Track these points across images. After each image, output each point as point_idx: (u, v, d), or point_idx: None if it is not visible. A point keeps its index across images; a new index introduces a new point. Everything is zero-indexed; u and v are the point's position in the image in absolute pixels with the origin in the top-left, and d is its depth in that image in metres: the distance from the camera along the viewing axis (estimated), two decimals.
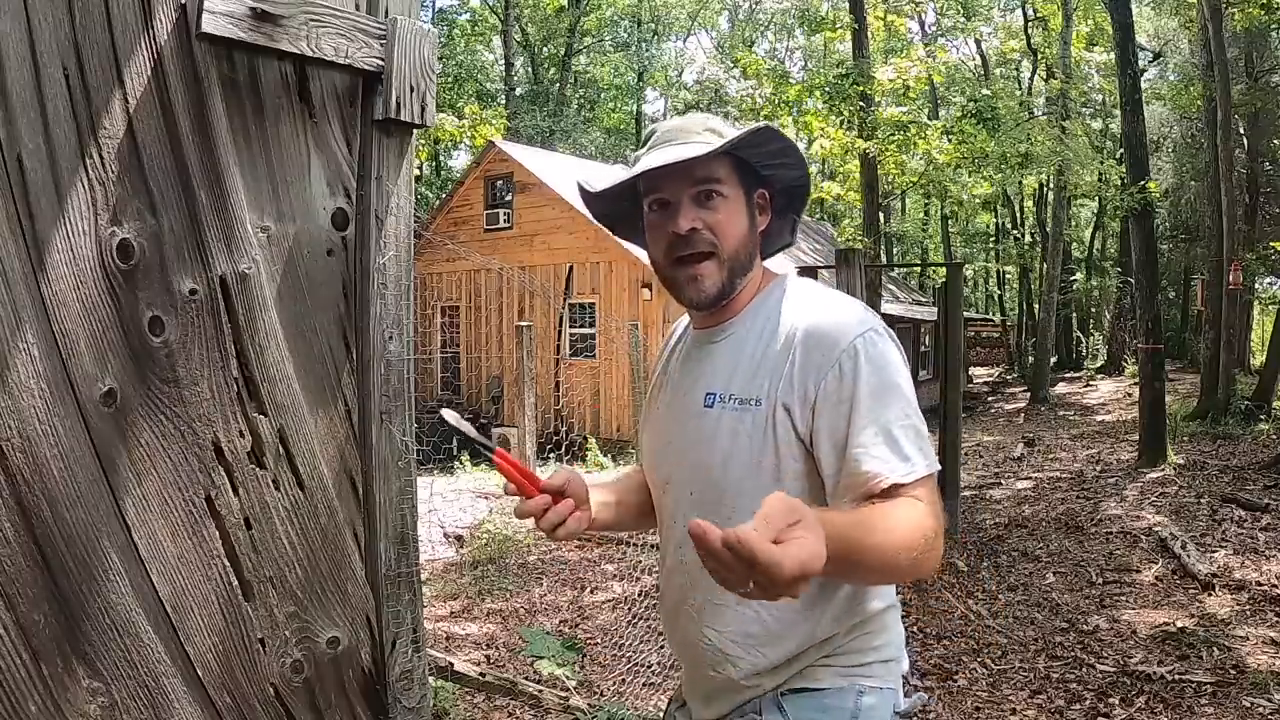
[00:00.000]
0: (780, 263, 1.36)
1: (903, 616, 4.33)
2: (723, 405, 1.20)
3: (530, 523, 1.25)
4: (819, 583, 1.13)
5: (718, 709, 1.26)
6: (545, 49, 31.89)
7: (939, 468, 1.15)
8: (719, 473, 1.21)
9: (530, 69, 31.63)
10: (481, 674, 3.31)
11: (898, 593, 1.29)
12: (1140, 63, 14.76)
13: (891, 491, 1.08)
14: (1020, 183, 24.56)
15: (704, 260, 1.20)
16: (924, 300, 22.26)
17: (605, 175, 1.28)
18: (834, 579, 1.15)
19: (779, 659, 1.20)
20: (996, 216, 31.22)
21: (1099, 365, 25.07)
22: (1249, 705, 3.54)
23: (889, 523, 1.05)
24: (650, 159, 1.19)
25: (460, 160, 30.62)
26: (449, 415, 1.29)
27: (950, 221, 32.16)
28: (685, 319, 1.37)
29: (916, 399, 1.16)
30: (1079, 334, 29.09)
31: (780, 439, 1.15)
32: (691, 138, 1.20)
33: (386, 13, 1.38)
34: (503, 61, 30.74)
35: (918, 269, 28.84)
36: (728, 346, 1.24)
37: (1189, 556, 5.53)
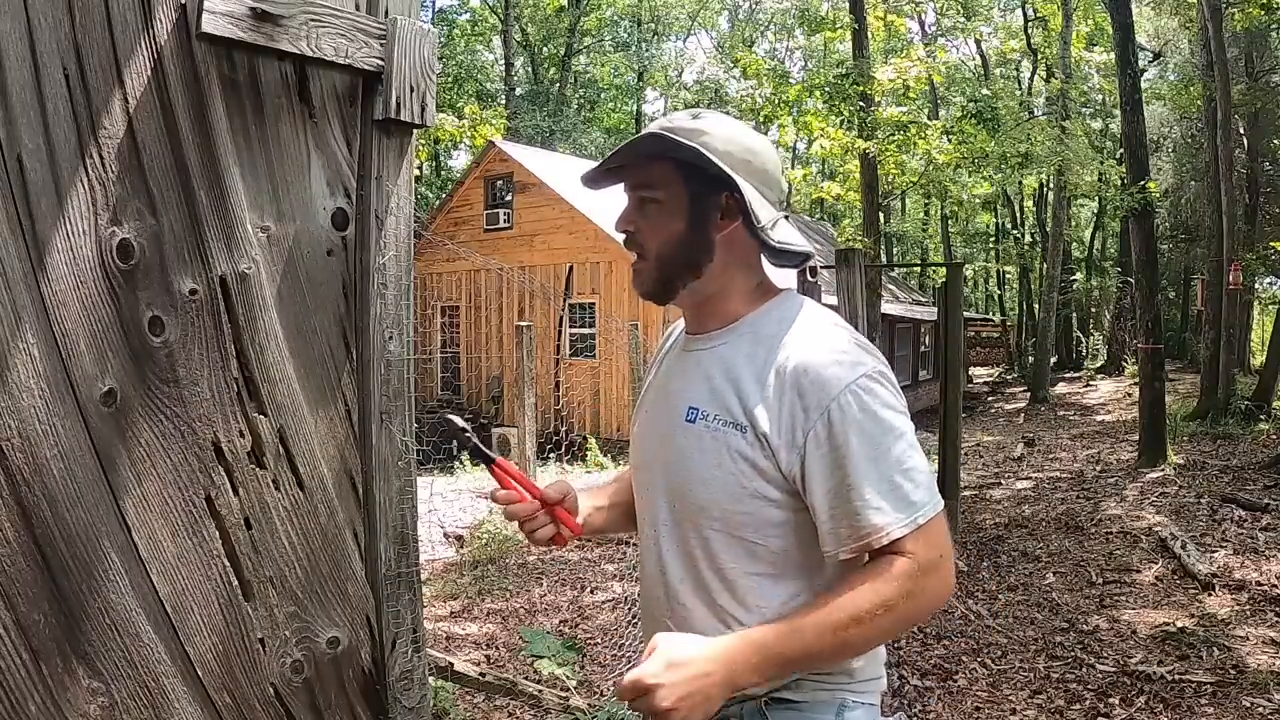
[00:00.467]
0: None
1: None
2: (705, 423, 1.19)
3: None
4: (791, 600, 1.17)
5: None
6: (545, 49, 31.89)
7: (942, 503, 1.13)
8: (697, 490, 1.21)
9: (530, 69, 31.63)
10: (481, 674, 3.31)
11: None
12: (1140, 63, 14.76)
13: (891, 546, 1.09)
14: (1020, 183, 24.56)
15: (639, 260, 1.25)
16: (924, 300, 22.27)
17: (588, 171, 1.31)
18: (784, 676, 1.16)
19: None
20: (996, 216, 31.23)
21: (1099, 365, 25.07)
22: (1249, 705, 3.54)
23: (823, 620, 1.08)
24: (596, 166, 1.27)
25: (460, 160, 30.63)
26: (456, 420, 1.29)
27: (950, 221, 32.15)
28: (682, 320, 1.38)
29: (910, 418, 1.16)
30: (1079, 334, 29.10)
31: (761, 469, 1.15)
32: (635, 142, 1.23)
33: (386, 13, 1.38)
34: (503, 61, 30.74)
35: (918, 269, 28.84)
36: (714, 359, 1.23)
37: (1189, 556, 5.53)
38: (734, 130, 1.23)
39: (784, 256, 1.25)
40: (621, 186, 1.28)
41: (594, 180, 1.27)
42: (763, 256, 1.27)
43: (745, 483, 1.15)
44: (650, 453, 1.29)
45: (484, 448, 1.27)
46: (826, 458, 1.10)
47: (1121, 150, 15.53)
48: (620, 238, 1.30)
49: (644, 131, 1.24)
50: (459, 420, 1.30)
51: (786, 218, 1.29)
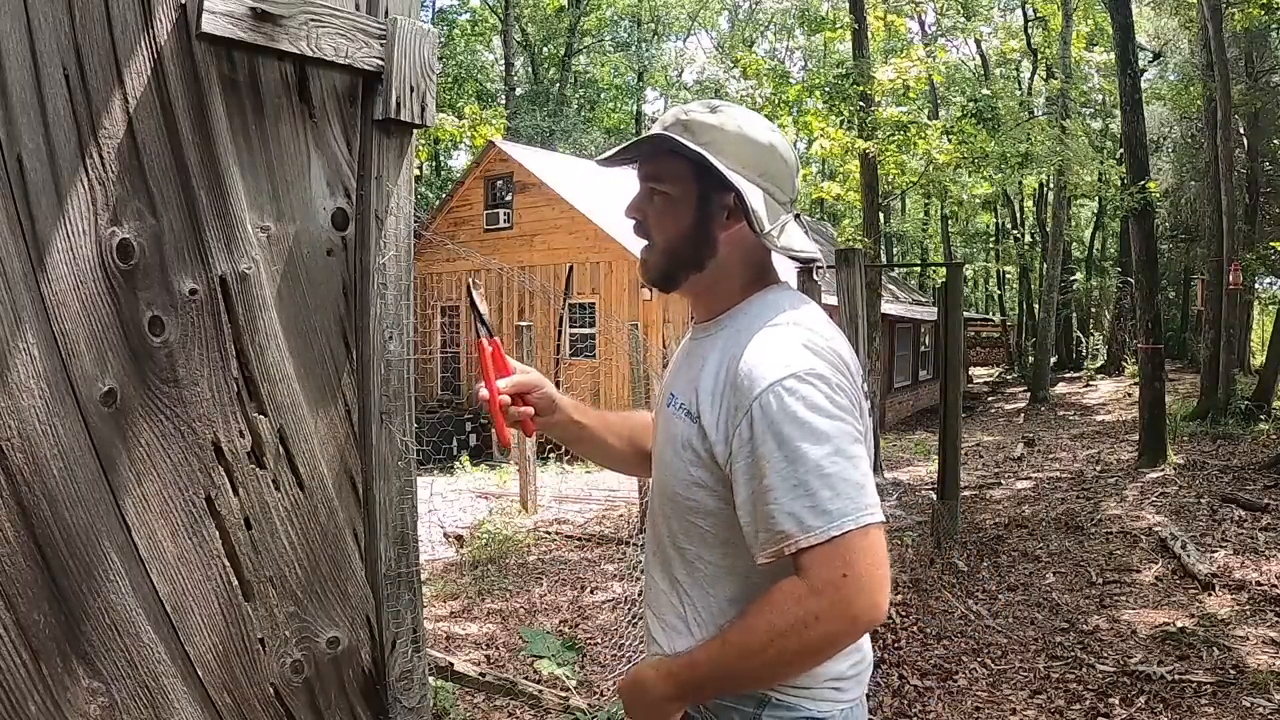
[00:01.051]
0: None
1: (903, 616, 4.30)
2: (674, 409, 1.24)
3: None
4: (744, 586, 1.18)
5: None
6: (545, 49, 31.89)
7: (873, 517, 1.07)
8: (663, 471, 1.27)
9: (530, 69, 31.63)
10: (481, 674, 3.31)
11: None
12: (1140, 63, 14.75)
13: (798, 558, 1.06)
14: (1020, 183, 24.56)
15: (646, 248, 1.28)
16: (924, 300, 22.27)
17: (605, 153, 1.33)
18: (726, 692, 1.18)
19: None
20: (996, 216, 31.23)
21: (1099, 365, 25.08)
22: (1249, 705, 3.54)
23: (737, 643, 1.09)
24: (611, 150, 1.29)
25: (460, 160, 30.63)
26: (476, 296, 1.38)
27: (950, 221, 32.16)
28: None
29: (848, 440, 1.10)
30: (1079, 334, 29.11)
31: (703, 460, 1.17)
32: (658, 129, 1.24)
33: (386, 13, 1.38)
34: (503, 61, 30.75)
35: (918, 269, 28.84)
36: (704, 349, 1.25)
37: (1189, 556, 5.53)
38: (750, 128, 1.22)
39: (787, 260, 1.27)
40: (635, 172, 1.30)
41: (609, 162, 1.30)
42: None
43: (691, 470, 1.19)
44: (656, 432, 1.35)
45: (488, 326, 1.36)
46: (748, 458, 1.10)
47: (1121, 150, 15.53)
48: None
49: (663, 120, 1.25)
50: (479, 297, 1.39)
51: (797, 217, 1.29)
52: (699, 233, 1.23)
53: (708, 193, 1.22)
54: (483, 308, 1.40)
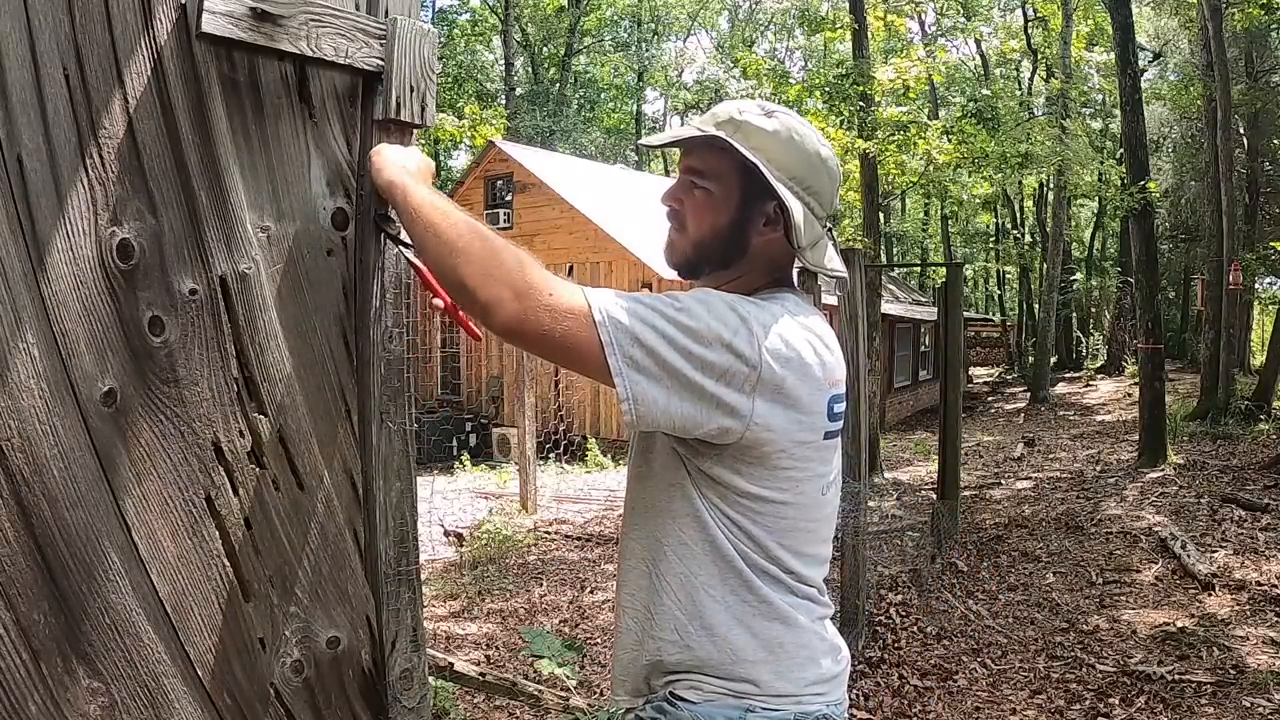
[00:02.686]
0: None
1: (903, 616, 4.30)
2: None
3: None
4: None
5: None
6: (545, 49, 31.88)
7: (598, 314, 1.07)
8: (632, 462, 1.31)
9: (530, 69, 31.62)
10: (481, 674, 3.31)
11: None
12: (1140, 63, 14.75)
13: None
14: (1020, 183, 24.57)
15: (675, 232, 1.28)
16: (924, 300, 22.26)
17: (650, 138, 1.34)
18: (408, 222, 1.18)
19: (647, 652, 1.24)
20: (996, 216, 31.23)
21: (1099, 365, 25.07)
22: (1249, 705, 3.54)
23: (480, 232, 1.10)
24: (666, 133, 1.29)
25: (460, 160, 30.62)
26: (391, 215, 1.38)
27: (950, 221, 32.16)
28: None
29: (699, 332, 1.08)
30: (1079, 334, 29.10)
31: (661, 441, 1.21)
32: (707, 124, 1.23)
33: (386, 13, 1.38)
34: (503, 61, 30.73)
35: (918, 269, 28.84)
36: None
37: (1189, 556, 5.53)
38: (803, 139, 1.21)
39: (811, 276, 1.29)
40: (677, 157, 1.32)
41: (652, 147, 1.32)
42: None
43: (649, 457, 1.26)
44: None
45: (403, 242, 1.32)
46: None
47: (1121, 150, 15.53)
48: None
49: (715, 114, 1.24)
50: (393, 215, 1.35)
51: (829, 231, 1.29)
52: (733, 234, 1.23)
53: (750, 197, 1.21)
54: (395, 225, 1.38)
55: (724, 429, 1.11)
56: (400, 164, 1.22)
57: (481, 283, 1.07)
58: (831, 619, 1.28)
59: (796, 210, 1.17)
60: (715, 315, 1.09)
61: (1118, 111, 12.76)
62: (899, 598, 4.96)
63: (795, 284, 1.31)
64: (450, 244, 1.10)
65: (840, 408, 1.23)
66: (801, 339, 1.15)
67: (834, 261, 1.27)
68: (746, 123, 1.19)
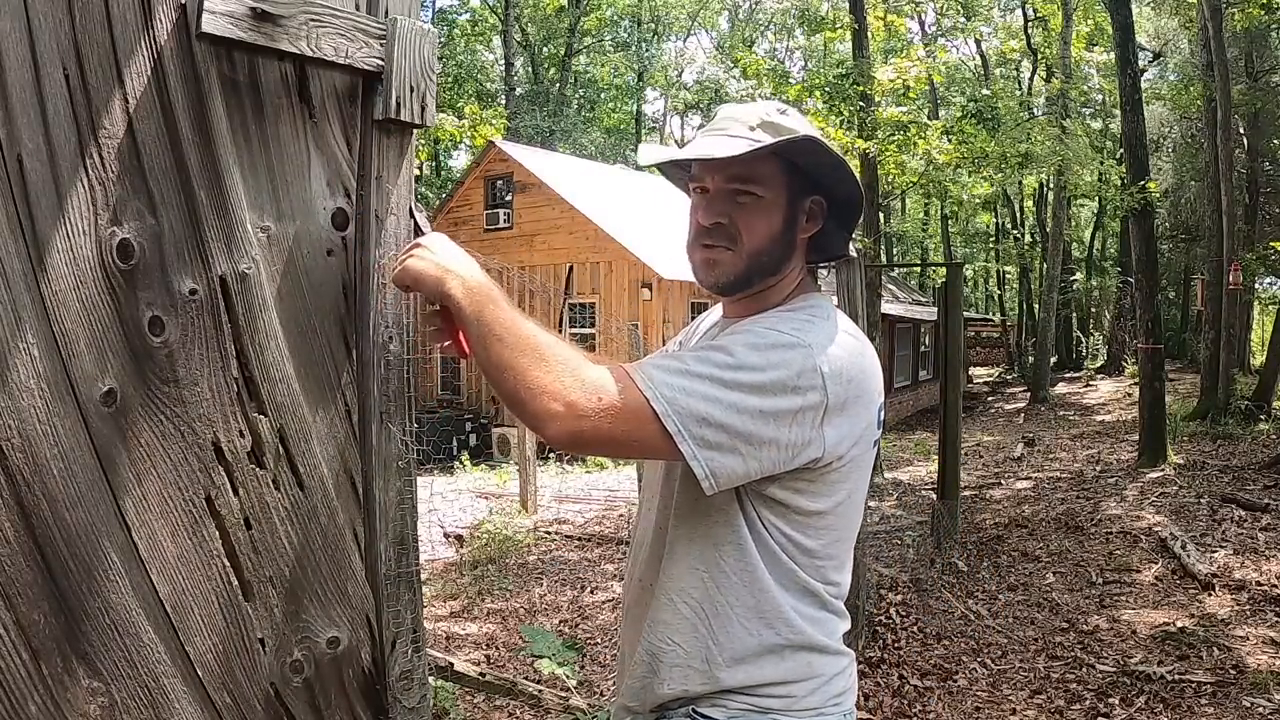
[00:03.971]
0: None
1: (903, 616, 4.31)
2: None
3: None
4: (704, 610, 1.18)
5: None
6: (545, 49, 31.88)
7: (658, 405, 1.05)
8: (662, 488, 1.27)
9: (530, 69, 31.62)
10: (481, 674, 3.31)
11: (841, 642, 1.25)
12: (1140, 63, 14.76)
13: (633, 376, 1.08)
14: (1020, 183, 24.56)
15: (723, 250, 1.21)
16: (924, 300, 22.26)
17: (655, 151, 1.28)
18: (468, 328, 1.15)
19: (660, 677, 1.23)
20: (996, 216, 31.23)
21: (1099, 365, 25.08)
22: (1249, 705, 3.54)
23: (527, 342, 1.08)
24: (694, 147, 1.21)
25: (460, 160, 30.63)
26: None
27: (950, 221, 32.15)
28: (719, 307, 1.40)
29: (756, 391, 1.06)
30: (1079, 334, 29.10)
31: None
32: (741, 130, 1.19)
33: (386, 13, 1.38)
34: (503, 61, 30.74)
35: (918, 269, 28.83)
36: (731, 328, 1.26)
37: (1189, 556, 5.53)
38: (819, 133, 1.22)
39: (832, 260, 1.30)
40: (690, 175, 1.26)
41: (661, 158, 1.26)
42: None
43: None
44: None
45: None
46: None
47: (1121, 150, 15.52)
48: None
49: (738, 120, 1.20)
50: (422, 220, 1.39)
51: None
52: (786, 237, 1.21)
53: (795, 195, 1.20)
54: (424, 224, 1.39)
55: (800, 463, 1.11)
56: (458, 263, 1.18)
57: (530, 394, 1.05)
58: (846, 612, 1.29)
59: (855, 194, 1.21)
60: (773, 359, 1.07)
61: (1118, 111, 12.76)
62: (899, 598, 4.96)
63: (819, 287, 1.32)
64: (498, 360, 1.08)
65: (883, 414, 1.25)
66: (854, 352, 1.15)
67: (850, 245, 1.31)
68: (777, 123, 1.18)
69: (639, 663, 1.25)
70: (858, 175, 1.24)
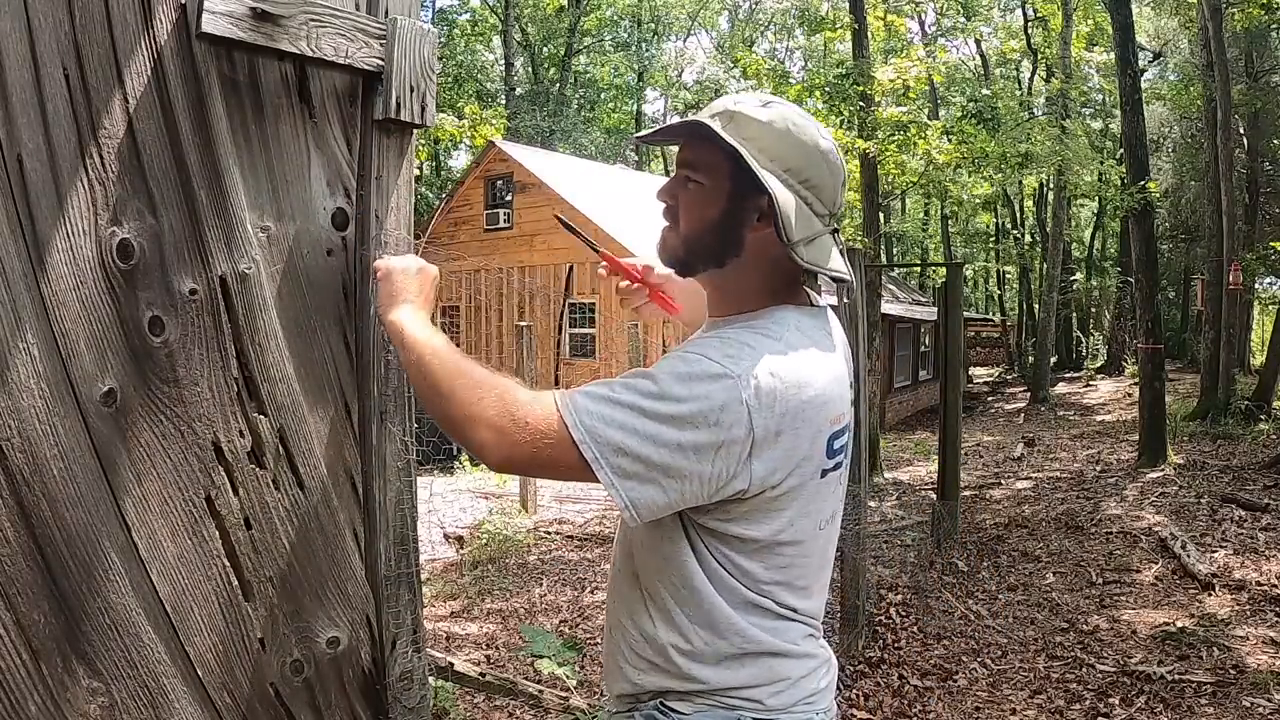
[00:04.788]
0: None
1: (903, 616, 4.30)
2: None
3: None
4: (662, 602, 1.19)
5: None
6: (545, 49, 31.88)
7: (576, 433, 1.06)
8: None
9: (530, 69, 31.61)
10: (481, 674, 3.31)
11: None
12: (1140, 63, 14.76)
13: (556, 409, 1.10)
14: (1020, 183, 24.55)
15: (668, 229, 1.25)
16: (924, 300, 22.26)
17: (645, 132, 1.31)
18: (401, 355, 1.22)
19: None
20: (996, 216, 31.22)
21: (1099, 365, 25.08)
22: (1249, 705, 3.54)
23: (461, 370, 1.13)
24: (654, 128, 1.26)
25: (460, 160, 30.62)
26: (569, 223, 1.56)
27: (950, 221, 32.14)
28: None
29: (669, 419, 1.05)
30: (1079, 334, 29.10)
31: None
32: (705, 115, 1.19)
33: (386, 13, 1.38)
34: (503, 61, 30.74)
35: (918, 269, 28.84)
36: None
37: (1189, 556, 5.53)
38: (800, 130, 1.16)
39: (811, 276, 1.22)
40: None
41: (646, 140, 1.28)
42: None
43: None
44: None
45: (590, 240, 1.53)
46: None
47: (1121, 150, 15.53)
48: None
49: (712, 107, 1.20)
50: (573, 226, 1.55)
51: (835, 232, 1.22)
52: (724, 229, 1.18)
53: (741, 190, 1.16)
54: (578, 230, 1.55)
55: (726, 495, 1.09)
56: (403, 296, 1.26)
57: (464, 424, 1.09)
58: (829, 620, 1.28)
59: (787, 201, 1.12)
60: (696, 391, 1.05)
61: (1118, 111, 12.76)
62: (899, 598, 4.96)
63: (809, 295, 1.27)
64: (435, 386, 1.13)
65: (841, 443, 1.19)
66: (796, 381, 1.09)
67: (835, 262, 1.19)
68: (740, 113, 1.15)
69: (614, 643, 1.27)
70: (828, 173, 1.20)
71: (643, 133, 1.29)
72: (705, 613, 1.16)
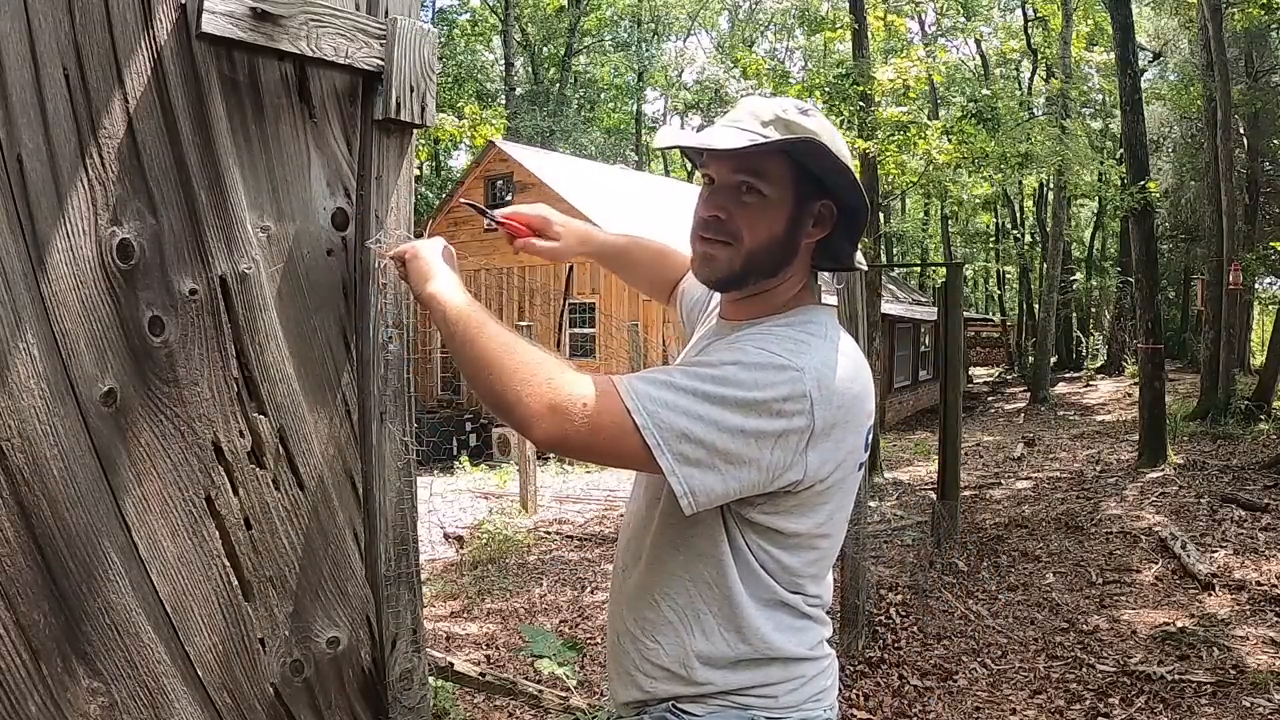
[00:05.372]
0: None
1: (903, 616, 4.31)
2: None
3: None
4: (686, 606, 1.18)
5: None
6: (545, 49, 31.88)
7: (646, 434, 1.04)
8: (648, 491, 1.26)
9: (530, 69, 31.61)
10: (481, 674, 3.31)
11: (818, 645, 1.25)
12: (1140, 63, 14.75)
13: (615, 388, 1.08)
14: (1020, 183, 24.56)
15: (721, 245, 1.19)
16: (924, 300, 22.26)
17: (669, 135, 1.26)
18: (444, 332, 1.18)
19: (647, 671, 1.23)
20: (996, 216, 31.23)
21: (1099, 365, 25.09)
22: (1249, 705, 3.54)
23: (512, 345, 1.11)
24: (705, 134, 1.18)
25: (460, 160, 30.62)
26: (476, 206, 1.56)
27: (950, 221, 32.15)
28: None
29: (735, 413, 1.04)
30: (1079, 334, 29.12)
31: None
32: (753, 124, 1.16)
33: (386, 13, 1.38)
34: (503, 61, 30.75)
35: (918, 269, 28.84)
36: (729, 332, 1.24)
37: (1189, 556, 5.53)
38: (837, 136, 1.19)
39: (813, 276, 1.26)
40: (700, 163, 1.25)
41: (672, 142, 1.24)
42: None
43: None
44: None
45: (493, 216, 1.50)
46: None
47: (1121, 150, 15.53)
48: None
49: (754, 115, 1.16)
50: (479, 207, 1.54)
51: None
52: (789, 239, 1.18)
53: (803, 198, 1.17)
54: (484, 210, 1.52)
55: (780, 485, 1.10)
56: (439, 269, 1.24)
57: (516, 400, 1.05)
58: (830, 618, 1.29)
59: (862, 204, 1.18)
60: (761, 380, 1.05)
61: (1118, 111, 12.76)
62: (899, 598, 4.96)
63: (819, 294, 1.29)
64: (483, 358, 1.09)
65: (871, 437, 1.22)
66: (847, 377, 1.12)
67: (858, 255, 1.28)
68: (793, 121, 1.14)
69: (623, 651, 1.26)
70: (859, 179, 1.22)
71: (678, 133, 1.25)
72: (732, 612, 1.16)
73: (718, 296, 1.36)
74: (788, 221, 1.17)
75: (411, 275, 1.26)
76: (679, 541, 1.18)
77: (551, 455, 11.40)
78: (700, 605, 1.17)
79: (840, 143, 1.18)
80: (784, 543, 1.15)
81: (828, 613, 1.27)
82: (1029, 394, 19.73)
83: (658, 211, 15.45)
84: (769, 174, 1.16)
